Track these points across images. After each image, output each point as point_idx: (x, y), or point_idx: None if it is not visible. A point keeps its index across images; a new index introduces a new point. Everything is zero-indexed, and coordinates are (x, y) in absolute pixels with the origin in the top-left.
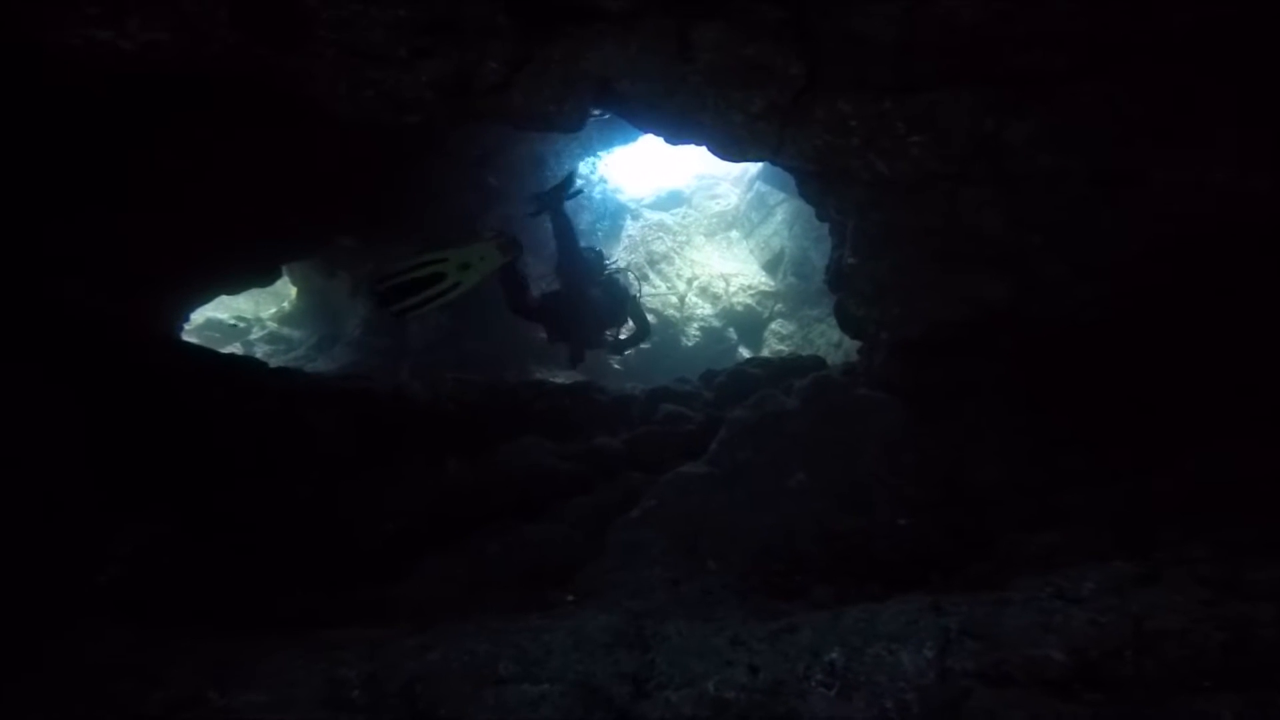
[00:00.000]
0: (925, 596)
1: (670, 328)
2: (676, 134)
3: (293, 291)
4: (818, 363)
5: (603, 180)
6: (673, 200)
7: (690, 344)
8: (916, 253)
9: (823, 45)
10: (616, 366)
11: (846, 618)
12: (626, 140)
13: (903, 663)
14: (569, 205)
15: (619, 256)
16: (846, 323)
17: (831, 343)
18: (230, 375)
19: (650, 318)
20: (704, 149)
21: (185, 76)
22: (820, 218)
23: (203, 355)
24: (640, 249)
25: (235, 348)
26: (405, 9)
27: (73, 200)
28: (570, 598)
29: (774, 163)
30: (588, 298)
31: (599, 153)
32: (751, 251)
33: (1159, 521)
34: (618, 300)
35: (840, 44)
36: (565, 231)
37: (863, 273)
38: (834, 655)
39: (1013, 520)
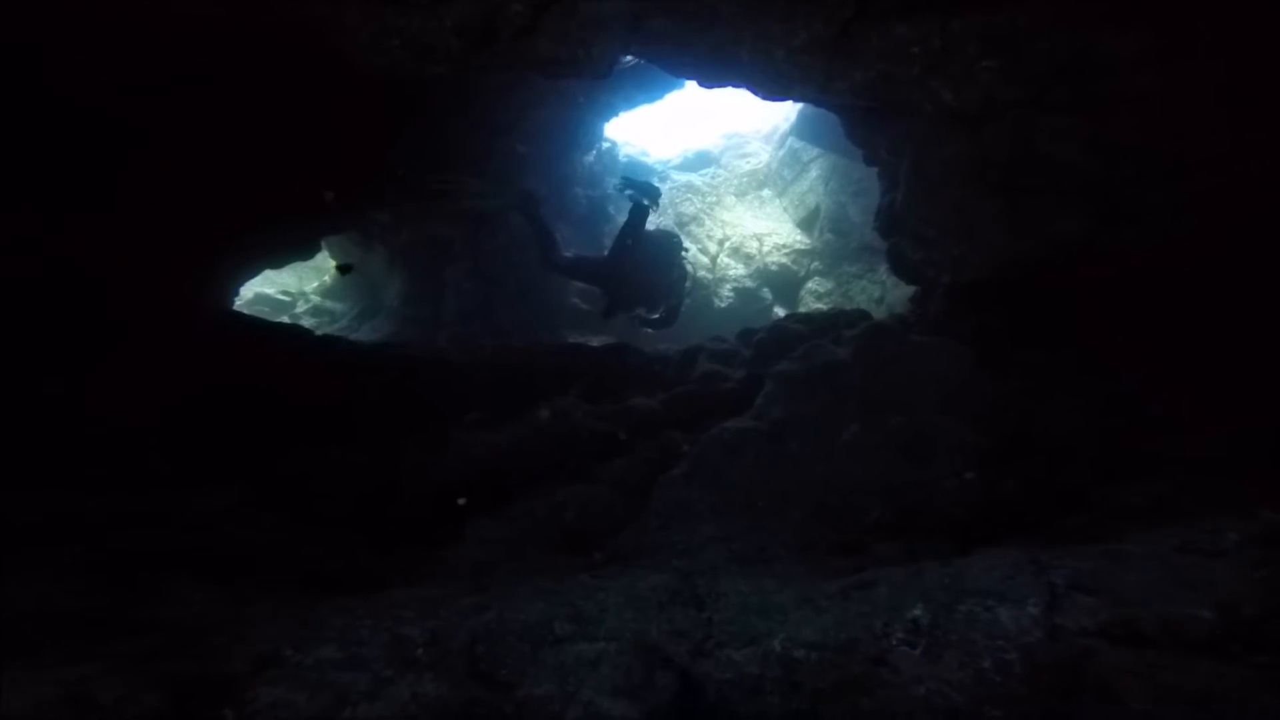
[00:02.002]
0: (1016, 550)
1: (702, 289)
2: (711, 75)
3: (333, 265)
4: (863, 316)
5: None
6: (701, 161)
7: (723, 305)
8: (980, 189)
9: None
10: (649, 330)
11: (928, 574)
12: (651, 99)
13: (1001, 620)
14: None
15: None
16: (901, 268)
17: (873, 299)
18: (281, 344)
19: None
20: (737, 102)
21: (209, 36)
22: (868, 161)
23: (256, 325)
24: (668, 211)
25: (283, 321)
26: None
27: (116, 180)
28: (618, 559)
29: (818, 101)
30: (623, 276)
31: (621, 112)
32: (785, 210)
33: None
34: (659, 288)
35: None
36: (634, 220)
37: (919, 214)
38: (917, 612)
39: (1100, 471)
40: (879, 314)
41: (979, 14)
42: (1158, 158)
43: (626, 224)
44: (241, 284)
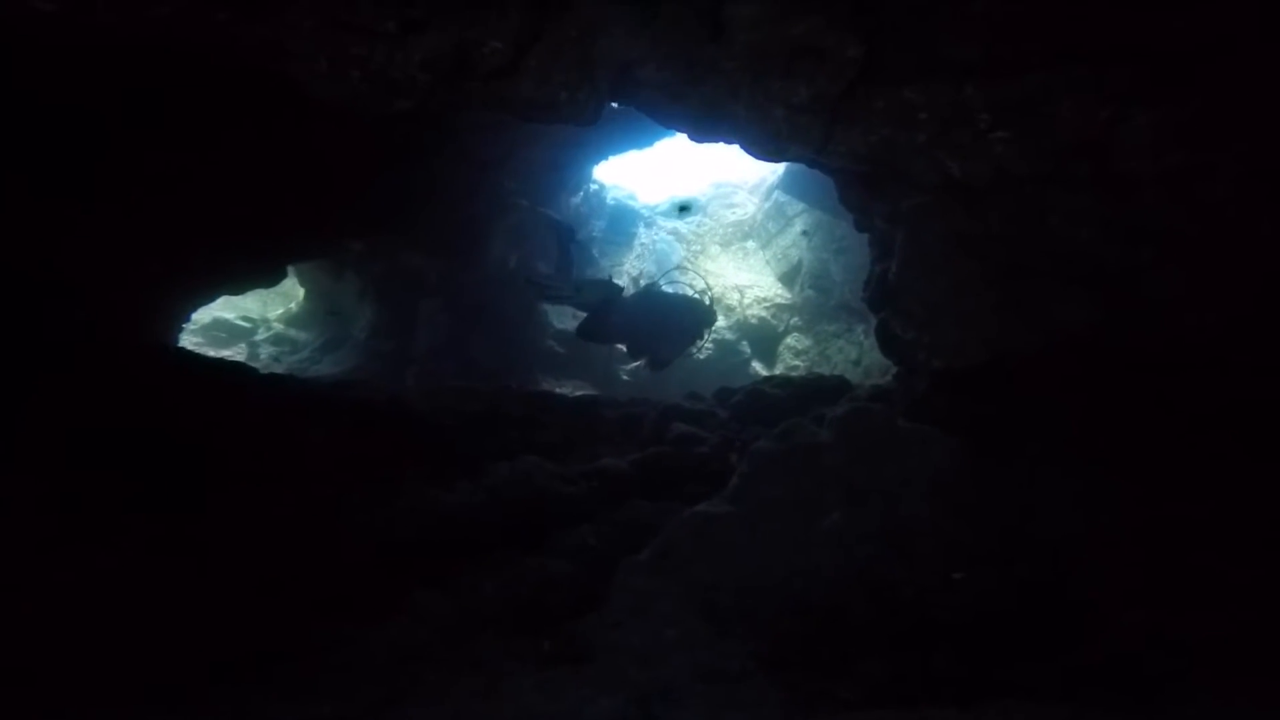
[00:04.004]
0: (1035, 707)
1: None
2: (703, 129)
3: (301, 293)
4: (842, 383)
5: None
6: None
7: (701, 356)
8: (980, 268)
9: (887, 19)
10: (626, 378)
11: None
12: (641, 146)
13: None
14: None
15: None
16: (889, 346)
17: (850, 359)
18: (217, 385)
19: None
20: (726, 151)
21: (138, 48)
22: (860, 227)
23: (189, 362)
24: (651, 258)
25: (241, 348)
26: None
27: (55, 200)
28: (569, 655)
29: (813, 163)
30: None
31: (611, 156)
32: (768, 263)
33: None
34: (650, 339)
35: (910, 16)
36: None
37: (913, 291)
38: None
39: (1107, 585)
40: (856, 376)
41: (992, 79)
42: (1185, 244)
43: (601, 306)
44: (193, 311)
